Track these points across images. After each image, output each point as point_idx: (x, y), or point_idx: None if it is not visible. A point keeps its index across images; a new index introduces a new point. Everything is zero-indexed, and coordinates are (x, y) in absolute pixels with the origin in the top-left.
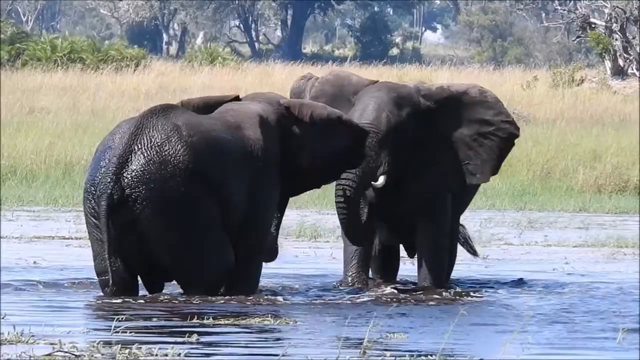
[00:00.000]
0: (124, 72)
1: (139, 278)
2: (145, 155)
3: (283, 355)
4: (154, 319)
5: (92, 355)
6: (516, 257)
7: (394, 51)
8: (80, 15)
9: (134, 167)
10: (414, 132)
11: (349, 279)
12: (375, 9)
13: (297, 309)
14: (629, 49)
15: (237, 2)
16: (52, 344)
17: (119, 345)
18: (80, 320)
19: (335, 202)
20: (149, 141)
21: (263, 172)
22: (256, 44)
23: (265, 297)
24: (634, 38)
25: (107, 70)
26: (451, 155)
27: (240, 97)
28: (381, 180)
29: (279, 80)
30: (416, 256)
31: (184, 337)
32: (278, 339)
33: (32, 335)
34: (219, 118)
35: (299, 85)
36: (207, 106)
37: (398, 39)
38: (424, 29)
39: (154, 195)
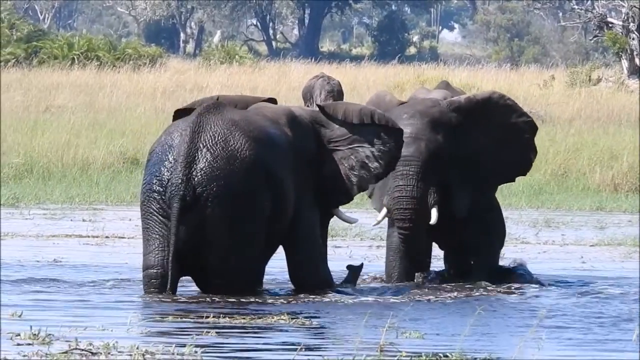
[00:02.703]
0: (140, 71)
1: None
2: (212, 151)
3: (297, 354)
4: (171, 317)
5: (109, 353)
6: (533, 256)
7: (411, 50)
8: (98, 14)
9: (203, 165)
10: (449, 152)
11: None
12: (393, 7)
13: (313, 308)
14: None
15: (254, 0)
16: (68, 342)
17: (136, 344)
18: (98, 318)
19: (400, 244)
20: (212, 137)
21: (301, 170)
22: (273, 43)
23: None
24: None
25: (124, 68)
26: (480, 164)
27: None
28: (434, 215)
29: (296, 79)
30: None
31: (200, 335)
32: (294, 338)
33: (50, 334)
34: (260, 114)
35: (309, 84)
36: (245, 105)
37: (415, 38)
38: (441, 28)
39: (224, 192)
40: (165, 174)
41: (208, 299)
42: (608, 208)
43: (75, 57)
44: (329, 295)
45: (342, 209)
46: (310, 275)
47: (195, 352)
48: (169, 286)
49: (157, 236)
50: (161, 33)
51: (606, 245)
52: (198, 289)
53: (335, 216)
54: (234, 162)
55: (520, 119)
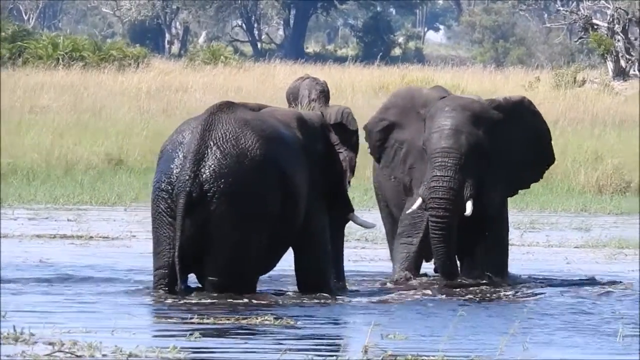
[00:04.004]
0: (125, 71)
1: None
2: (222, 149)
3: (282, 355)
4: (156, 319)
5: (93, 355)
6: (517, 257)
7: (397, 51)
8: (82, 14)
9: (212, 162)
10: (488, 148)
11: (401, 276)
12: (378, 9)
13: (298, 309)
14: (631, 50)
15: (239, 1)
16: (51, 343)
17: (120, 345)
18: (82, 319)
19: (432, 236)
20: (223, 135)
21: (312, 172)
22: (258, 44)
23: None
24: (636, 39)
25: (108, 69)
26: (512, 163)
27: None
28: (469, 207)
29: (281, 79)
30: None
31: (185, 337)
32: (278, 339)
33: (32, 335)
34: (272, 115)
35: (295, 86)
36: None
37: (400, 39)
38: (426, 29)
39: (231, 190)
40: (175, 171)
41: (193, 300)
42: (592, 209)
43: (60, 57)
44: (318, 296)
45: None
46: (316, 279)
47: (179, 353)
48: (178, 283)
49: (166, 237)
50: (146, 33)
51: (590, 246)
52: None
53: (350, 221)
54: (244, 160)
55: (542, 125)
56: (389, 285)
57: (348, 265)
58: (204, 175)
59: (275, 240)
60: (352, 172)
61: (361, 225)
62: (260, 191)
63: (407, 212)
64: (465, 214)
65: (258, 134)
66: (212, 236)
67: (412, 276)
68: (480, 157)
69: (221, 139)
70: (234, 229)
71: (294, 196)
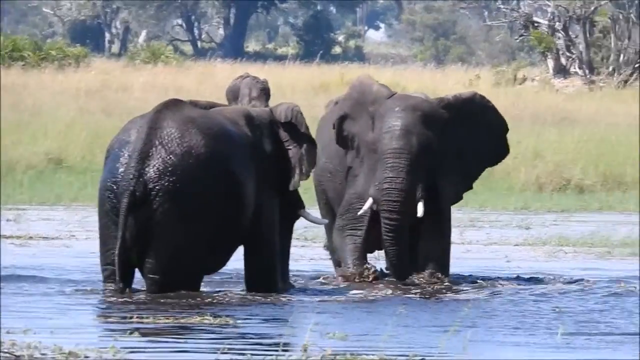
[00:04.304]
0: (65, 71)
1: None
2: (167, 148)
3: (221, 354)
4: (96, 318)
5: (32, 355)
6: (457, 255)
7: (337, 50)
8: (23, 14)
9: (156, 161)
10: (438, 147)
11: (353, 271)
12: (318, 7)
13: (237, 308)
14: (571, 47)
15: (179, 0)
16: None
17: (60, 345)
18: (21, 319)
19: (384, 237)
20: (168, 134)
21: (262, 169)
22: (198, 43)
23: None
24: (576, 37)
25: (49, 68)
26: (461, 162)
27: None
28: (420, 208)
29: (221, 78)
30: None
31: (124, 336)
32: (217, 338)
33: None
34: (220, 113)
35: (234, 84)
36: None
37: (341, 38)
38: (366, 27)
39: (176, 188)
40: (120, 170)
41: (133, 299)
42: (533, 207)
43: None
44: (259, 295)
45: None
46: (263, 278)
47: (119, 353)
48: (117, 280)
49: (111, 235)
50: (86, 33)
51: (530, 244)
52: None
53: (301, 217)
54: (188, 159)
55: (497, 120)
56: (335, 280)
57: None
58: (148, 174)
59: (220, 239)
60: (302, 169)
61: (313, 222)
62: (204, 190)
63: (361, 211)
64: (418, 215)
65: (203, 132)
66: (154, 234)
67: (362, 272)
68: (431, 157)
69: (166, 137)
70: (176, 227)
71: (240, 195)
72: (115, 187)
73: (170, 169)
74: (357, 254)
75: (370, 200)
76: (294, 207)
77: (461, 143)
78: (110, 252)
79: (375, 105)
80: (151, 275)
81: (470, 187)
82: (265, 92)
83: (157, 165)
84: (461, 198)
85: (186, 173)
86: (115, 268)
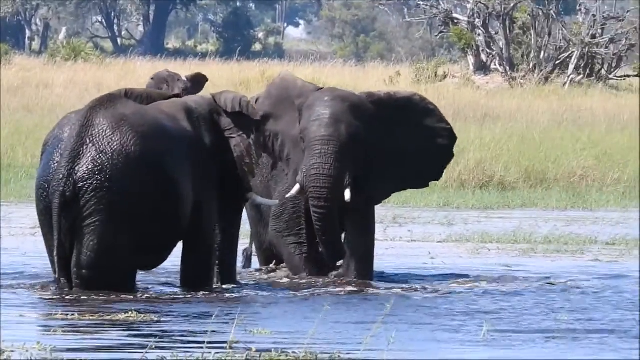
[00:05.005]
0: None
1: None
2: (97, 146)
3: (148, 351)
4: (21, 314)
5: None
6: (380, 252)
7: (257, 47)
8: None
9: (86, 161)
10: (367, 140)
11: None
12: (238, 4)
13: (163, 304)
14: (491, 44)
15: None
16: None
17: None
18: None
19: (315, 226)
20: (99, 133)
21: (202, 165)
22: (119, 40)
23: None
24: (496, 33)
25: None
26: (394, 163)
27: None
28: (347, 194)
29: (141, 75)
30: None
31: (49, 333)
32: (142, 336)
33: None
34: (157, 108)
35: (148, 84)
36: (150, 99)
37: (260, 35)
38: (286, 24)
39: (105, 186)
40: (52, 168)
41: (58, 296)
42: (455, 204)
43: None
44: (183, 292)
45: None
46: (198, 273)
47: (44, 350)
48: (56, 276)
49: (48, 234)
50: (7, 30)
51: (454, 241)
52: None
53: (250, 201)
54: (118, 157)
55: (438, 124)
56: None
57: None
58: (78, 174)
59: (154, 237)
60: (251, 157)
61: (262, 204)
62: (134, 189)
63: (287, 195)
64: (345, 200)
65: (135, 130)
66: (83, 232)
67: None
68: (360, 147)
69: (97, 136)
70: (104, 226)
71: (174, 193)
72: (47, 186)
73: (99, 167)
74: (310, 265)
75: (297, 187)
76: (241, 192)
77: (397, 144)
78: (50, 248)
79: (302, 98)
80: (79, 271)
81: (402, 189)
82: (186, 92)
83: (87, 164)
84: (387, 197)
85: (116, 172)
86: (53, 265)
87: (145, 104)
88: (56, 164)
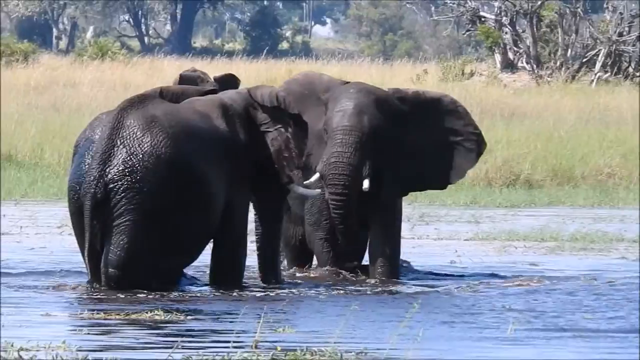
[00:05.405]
0: (13, 67)
1: None
2: (128, 148)
3: (174, 350)
4: (46, 314)
5: None
6: (407, 250)
7: (284, 45)
8: None
9: (117, 162)
10: (390, 135)
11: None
12: (265, 2)
13: (189, 303)
14: (518, 42)
15: None
16: None
17: (11, 341)
18: None
19: (333, 214)
20: (129, 134)
21: (235, 163)
22: (146, 38)
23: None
24: (523, 31)
25: None
26: (415, 160)
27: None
28: (366, 184)
29: (168, 74)
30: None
31: (75, 332)
32: (168, 334)
33: None
34: (190, 107)
35: (186, 75)
36: (186, 96)
37: (288, 33)
38: (313, 22)
39: (135, 188)
40: (83, 170)
41: (84, 295)
42: (482, 202)
43: None
44: (211, 290)
45: None
46: (227, 270)
47: (70, 349)
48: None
49: (81, 235)
50: (34, 29)
51: (480, 239)
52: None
53: (292, 192)
54: (149, 159)
55: (466, 128)
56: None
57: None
58: (109, 175)
59: (184, 237)
60: (290, 150)
61: (304, 195)
62: (164, 190)
63: (305, 182)
64: (363, 189)
65: (165, 131)
66: (115, 232)
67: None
68: (382, 141)
69: (128, 137)
70: (135, 227)
71: (204, 193)
72: (78, 188)
73: (130, 169)
74: (335, 261)
75: (316, 175)
76: (282, 186)
77: (417, 142)
78: (82, 249)
79: (329, 92)
80: (107, 269)
81: (420, 189)
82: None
83: (117, 165)
84: (405, 194)
85: (146, 173)
86: (86, 266)
87: (181, 100)
88: (87, 166)
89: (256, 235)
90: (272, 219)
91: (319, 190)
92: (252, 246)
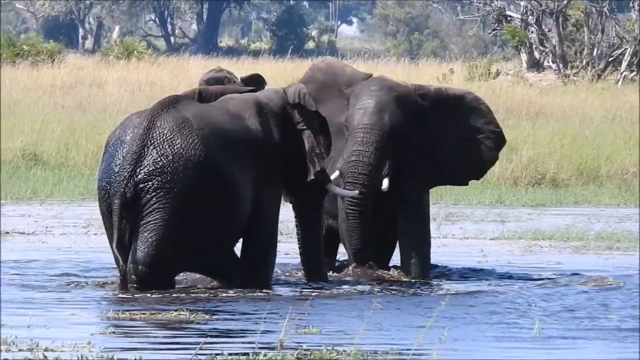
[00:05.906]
0: (39, 67)
1: None
2: (158, 149)
3: (199, 350)
4: (73, 314)
5: (9, 350)
6: (433, 249)
7: (310, 45)
8: None
9: (147, 163)
10: (410, 132)
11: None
12: (291, 2)
13: (214, 303)
14: (544, 41)
15: None
16: None
17: (37, 341)
18: None
19: (347, 212)
20: (160, 135)
21: (266, 163)
22: (172, 38)
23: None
24: (549, 31)
25: (23, 64)
26: (436, 156)
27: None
28: (385, 183)
29: (195, 74)
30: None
31: (101, 332)
32: (193, 334)
33: None
34: (222, 107)
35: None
36: (223, 95)
37: (314, 33)
38: (339, 22)
39: (166, 187)
40: (114, 170)
41: (109, 295)
42: (507, 202)
43: None
44: (235, 289)
45: None
46: (254, 269)
47: (94, 349)
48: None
49: (110, 235)
50: (60, 29)
51: (506, 239)
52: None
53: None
54: (179, 160)
55: (487, 126)
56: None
57: None
58: (139, 176)
59: (212, 237)
60: (320, 147)
61: (341, 195)
62: (193, 191)
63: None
64: (382, 188)
65: (195, 133)
66: (141, 228)
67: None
68: (403, 139)
69: (158, 138)
70: (162, 223)
71: (232, 194)
72: (108, 187)
73: (160, 170)
74: (361, 260)
75: (336, 173)
76: (318, 186)
77: (438, 138)
78: (112, 247)
79: (351, 86)
80: (135, 266)
81: (439, 184)
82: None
83: (147, 166)
84: (426, 189)
85: (176, 174)
86: (116, 266)
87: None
88: (117, 166)
89: (297, 235)
90: (312, 219)
91: (356, 191)
92: (282, 246)
